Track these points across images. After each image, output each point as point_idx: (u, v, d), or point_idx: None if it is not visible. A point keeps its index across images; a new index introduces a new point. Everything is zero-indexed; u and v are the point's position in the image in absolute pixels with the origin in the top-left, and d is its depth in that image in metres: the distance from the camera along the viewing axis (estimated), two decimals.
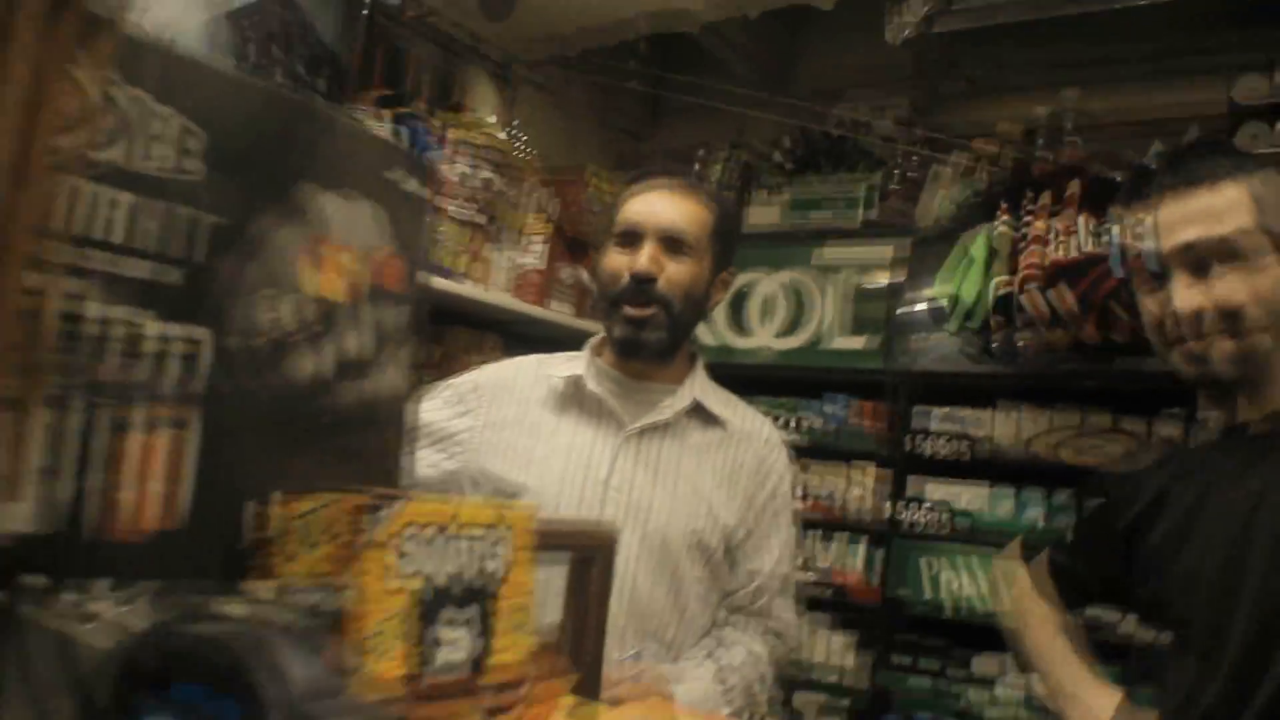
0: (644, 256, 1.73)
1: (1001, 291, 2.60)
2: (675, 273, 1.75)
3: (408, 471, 0.89)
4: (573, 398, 1.81)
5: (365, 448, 0.85)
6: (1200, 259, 1.38)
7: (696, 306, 1.80)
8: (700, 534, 1.74)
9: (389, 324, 0.89)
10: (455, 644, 0.77)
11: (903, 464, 3.26)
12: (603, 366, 1.83)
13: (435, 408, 1.84)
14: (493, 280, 3.07)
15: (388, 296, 0.90)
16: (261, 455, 0.77)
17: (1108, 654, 1.72)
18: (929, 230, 3.29)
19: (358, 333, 0.86)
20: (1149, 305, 1.46)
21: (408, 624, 0.74)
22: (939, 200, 3.23)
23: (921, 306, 3.22)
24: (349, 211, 0.87)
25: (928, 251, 3.26)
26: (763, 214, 3.76)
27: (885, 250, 3.43)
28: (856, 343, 3.43)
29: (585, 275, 3.35)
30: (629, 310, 1.74)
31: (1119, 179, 2.63)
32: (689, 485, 1.76)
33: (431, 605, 0.75)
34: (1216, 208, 1.38)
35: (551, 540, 1.11)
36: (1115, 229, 2.42)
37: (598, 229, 3.50)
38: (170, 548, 0.73)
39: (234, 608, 0.74)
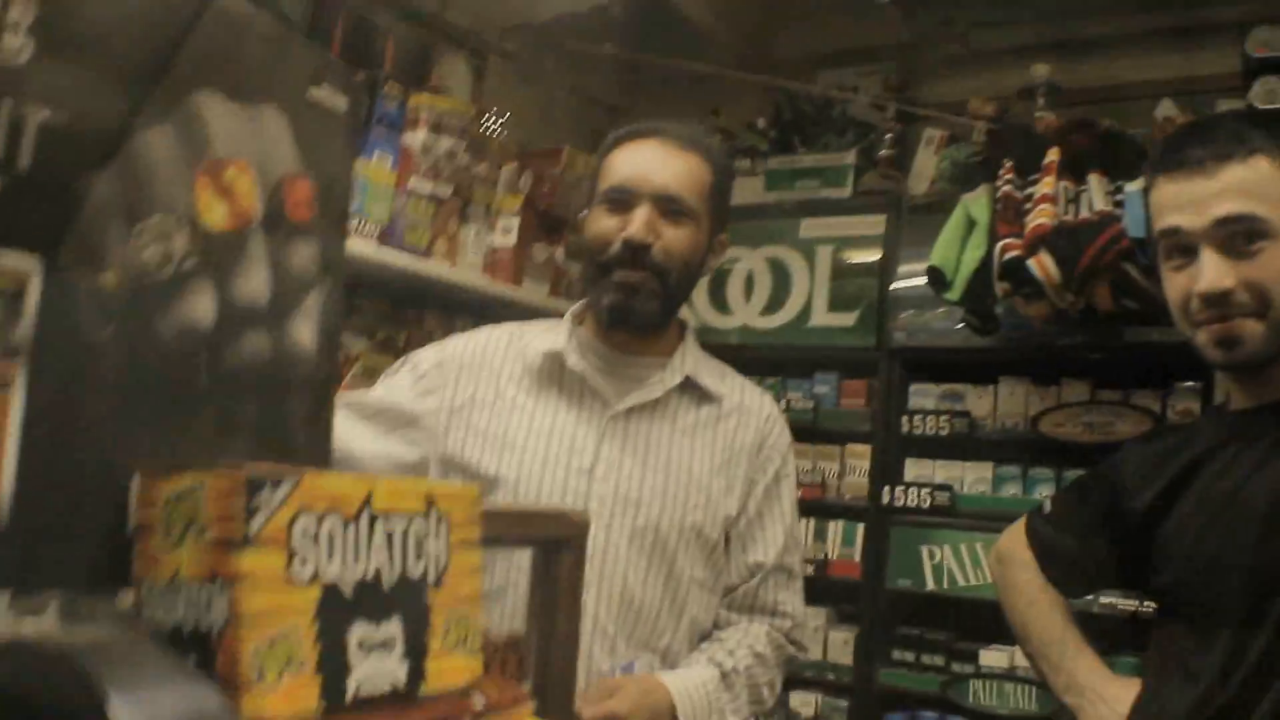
0: (638, 222, 1.54)
1: (1008, 255, 2.44)
2: (672, 239, 1.56)
3: (321, 450, 0.71)
4: (552, 374, 1.62)
5: (262, 418, 0.67)
6: (1230, 236, 1.33)
7: (692, 275, 1.63)
8: (698, 526, 1.57)
9: (297, 263, 0.71)
10: (378, 663, 0.59)
11: (898, 445, 3.09)
12: (586, 338, 1.65)
13: (394, 388, 1.65)
14: (463, 260, 2.89)
15: (295, 229, 0.71)
16: (117, 426, 0.59)
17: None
18: (922, 198, 3.13)
19: (254, 272, 0.67)
20: (1175, 281, 1.40)
21: (308, 644, 0.56)
22: (935, 163, 3.07)
23: (914, 280, 3.05)
24: (248, 122, 0.68)
25: (918, 222, 3.09)
26: (744, 188, 3.57)
27: (873, 223, 3.26)
28: (845, 319, 3.26)
29: (560, 254, 3.18)
30: (620, 275, 1.55)
31: (1129, 135, 2.49)
32: (684, 472, 1.58)
33: (337, 620, 0.57)
34: (1249, 183, 1.34)
35: (511, 529, 0.94)
36: (1131, 188, 2.29)
37: (574, 209, 3.36)
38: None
39: (73, 630, 0.56)
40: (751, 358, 3.26)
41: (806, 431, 3.15)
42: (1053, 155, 2.46)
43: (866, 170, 3.39)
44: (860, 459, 3.16)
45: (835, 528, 3.15)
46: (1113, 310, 2.42)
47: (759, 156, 3.56)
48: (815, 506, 3.12)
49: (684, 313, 1.71)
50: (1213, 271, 1.33)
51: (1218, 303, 1.34)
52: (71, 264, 0.59)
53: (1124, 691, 1.48)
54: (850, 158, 3.41)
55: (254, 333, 0.68)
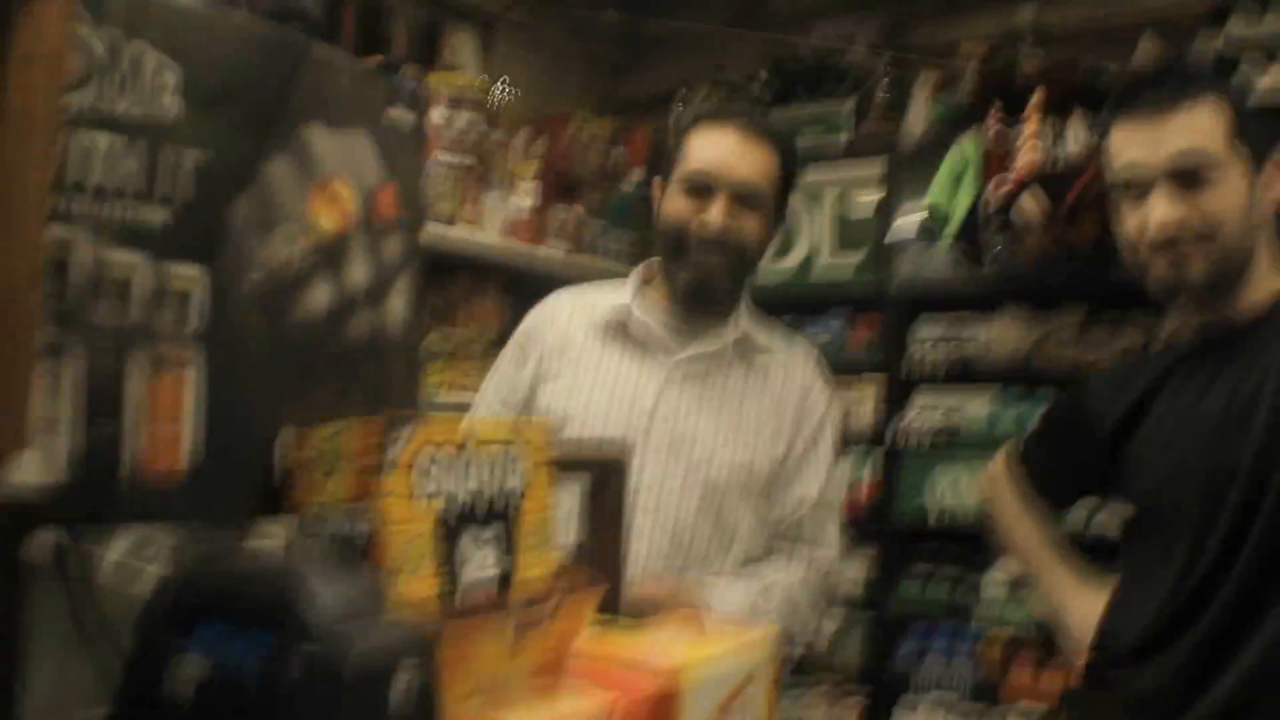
0: (717, 212, 1.68)
1: (996, 199, 2.58)
2: (747, 227, 1.71)
3: (413, 404, 0.90)
4: (618, 327, 1.78)
5: (376, 378, 0.86)
6: (1181, 172, 1.44)
7: (760, 257, 1.78)
8: (749, 465, 1.72)
9: (388, 255, 0.89)
10: (482, 561, 0.78)
11: (903, 379, 3.26)
12: (653, 298, 1.80)
13: (504, 365, 1.84)
14: (487, 225, 3.05)
15: (385, 228, 0.89)
16: (272, 391, 0.78)
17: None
18: (916, 142, 3.26)
19: (357, 264, 0.85)
20: (1131, 217, 1.52)
21: (434, 544, 0.74)
22: (929, 111, 3.20)
23: (913, 218, 3.20)
24: (343, 145, 0.86)
25: (915, 165, 3.23)
26: None
27: (871, 169, 3.40)
28: (848, 261, 3.42)
29: (578, 213, 3.34)
30: (699, 258, 1.70)
31: (1108, 74, 2.60)
32: (736, 416, 1.74)
33: (455, 524, 0.75)
34: (1197, 125, 1.44)
35: (564, 461, 1.12)
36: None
37: (587, 171, 3.51)
38: (186, 489, 0.74)
39: (259, 543, 0.75)
40: (763, 303, 3.43)
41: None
42: (1037, 96, 2.58)
43: (865, 117, 3.52)
44: (870, 392, 3.32)
45: (852, 457, 3.31)
46: (1097, 246, 2.55)
47: (762, 108, 3.69)
48: None
49: None
50: (1162, 209, 1.45)
51: (1167, 241, 1.46)
52: (225, 269, 0.77)
53: (1096, 599, 1.64)
54: (848, 106, 3.55)
55: (359, 312, 0.86)
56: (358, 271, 0.86)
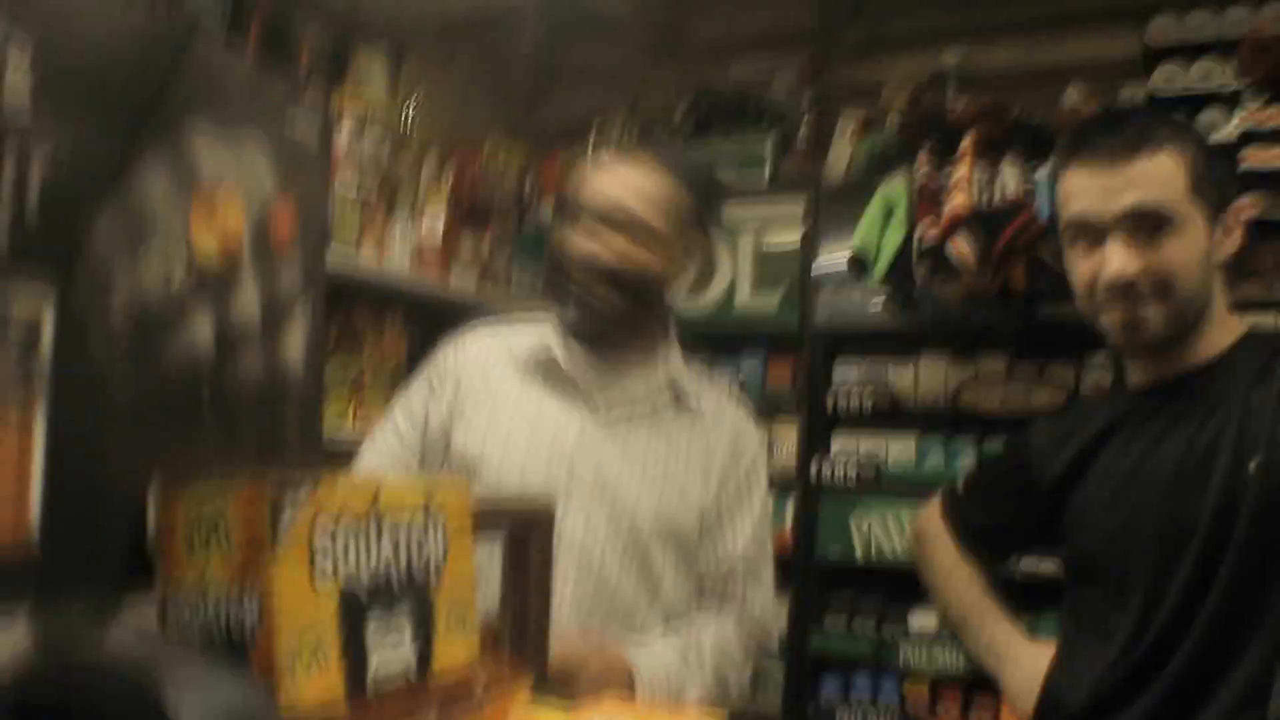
0: (603, 245, 1.62)
1: (927, 239, 2.54)
2: (640, 260, 1.63)
3: (313, 453, 0.76)
4: (539, 368, 1.70)
5: (270, 424, 0.72)
6: (1136, 225, 1.39)
7: (661, 292, 1.70)
8: (673, 517, 1.64)
9: (284, 282, 0.76)
10: (395, 647, 0.65)
11: (823, 420, 3.20)
12: (570, 337, 1.72)
13: (412, 399, 1.73)
14: (392, 255, 2.91)
15: (281, 251, 0.76)
16: (142, 443, 0.64)
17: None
18: (841, 180, 3.23)
19: (247, 292, 0.72)
20: (1082, 266, 1.46)
21: (336, 630, 0.61)
22: (853, 150, 3.17)
23: (836, 257, 3.16)
24: (232, 153, 0.73)
25: (838, 203, 3.19)
26: None
27: (792, 205, 3.36)
28: (767, 300, 3.36)
29: (486, 246, 3.22)
30: (582, 292, 1.64)
31: (1039, 122, 2.59)
32: (661, 466, 1.66)
33: (358, 608, 0.62)
34: (1157, 174, 1.40)
35: (484, 517, 0.99)
36: (1043, 173, 2.40)
37: (498, 199, 3.40)
38: (33, 565, 0.60)
39: (122, 632, 0.60)
40: (679, 340, 3.35)
41: None
42: (968, 141, 2.56)
43: (787, 152, 3.48)
44: (788, 434, 3.25)
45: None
46: (1027, 289, 2.53)
47: (680, 141, 3.62)
48: None
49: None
50: (1119, 259, 1.39)
51: (1123, 290, 1.40)
52: (83, 294, 0.63)
53: (1039, 654, 1.57)
54: (769, 141, 3.50)
55: (249, 348, 0.72)
56: (247, 301, 0.72)
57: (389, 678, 0.64)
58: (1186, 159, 1.41)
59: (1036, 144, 2.49)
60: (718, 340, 3.40)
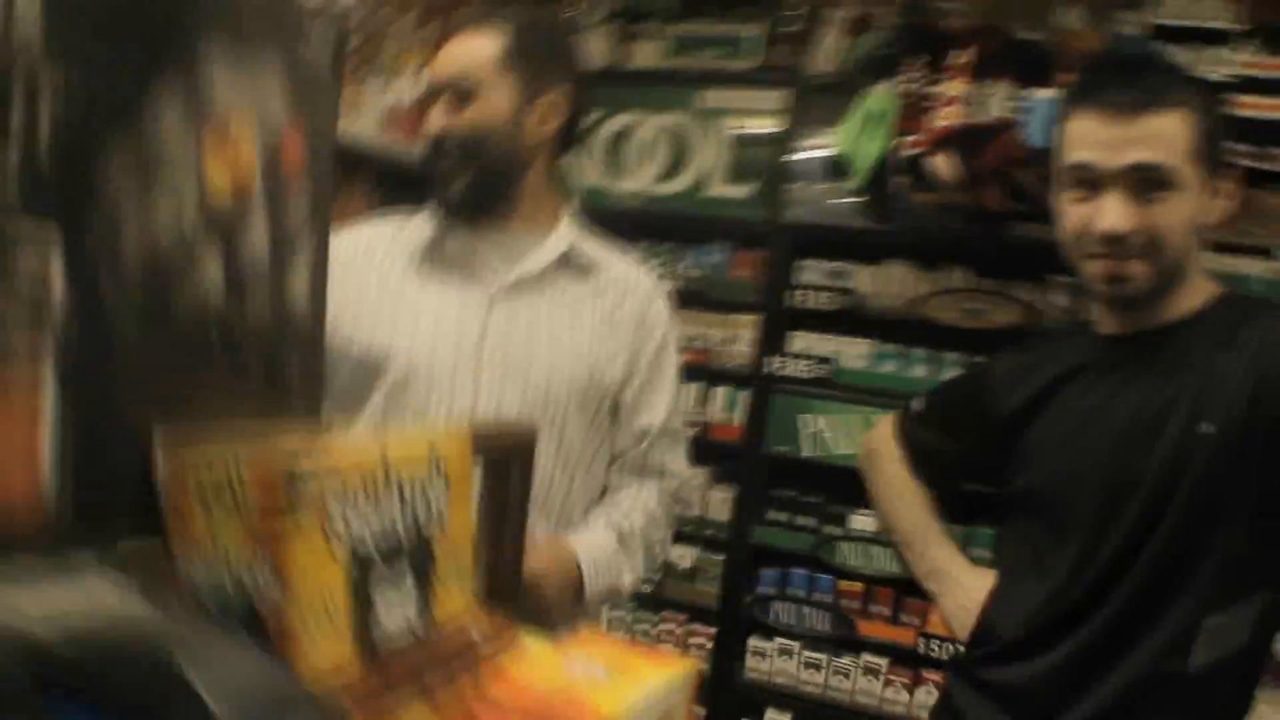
0: (435, 115, 1.65)
1: (911, 152, 2.52)
2: (465, 120, 1.63)
3: (315, 398, 0.76)
4: (434, 256, 1.69)
5: (274, 370, 0.71)
6: (1137, 182, 1.41)
7: (504, 146, 1.65)
8: (584, 392, 1.65)
9: (290, 218, 0.74)
10: (397, 607, 0.66)
11: (783, 317, 3.22)
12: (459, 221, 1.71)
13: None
14: (364, 117, 2.83)
15: (290, 182, 0.74)
16: (152, 393, 0.63)
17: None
18: (819, 79, 3.17)
19: (256, 230, 0.70)
20: (1074, 212, 1.47)
21: (342, 595, 0.62)
22: (844, 46, 3.10)
23: (809, 156, 3.12)
24: (248, 76, 0.70)
25: (820, 101, 3.14)
26: (644, 53, 3.56)
27: (771, 98, 3.29)
28: (738, 191, 3.32)
29: None
30: (437, 166, 1.67)
31: (1039, 43, 2.55)
32: (568, 339, 1.66)
33: (366, 570, 0.63)
34: (1164, 134, 1.40)
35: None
36: (1040, 95, 2.37)
37: None
38: (41, 523, 0.59)
39: (134, 597, 0.60)
40: (646, 223, 3.33)
41: (696, 298, 3.25)
42: (965, 57, 2.51)
43: (774, 44, 3.39)
44: (747, 328, 3.27)
45: (719, 393, 3.28)
46: (1000, 209, 2.53)
47: (670, 19, 3.52)
48: (700, 372, 3.24)
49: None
50: (1115, 213, 1.41)
51: (1114, 243, 1.42)
52: (95, 237, 0.61)
53: (979, 581, 1.64)
54: (760, 29, 3.41)
55: (254, 289, 0.71)
56: (257, 237, 0.70)
57: (396, 634, 0.65)
58: (1195, 121, 1.42)
59: (1031, 67, 2.45)
60: (685, 228, 3.38)
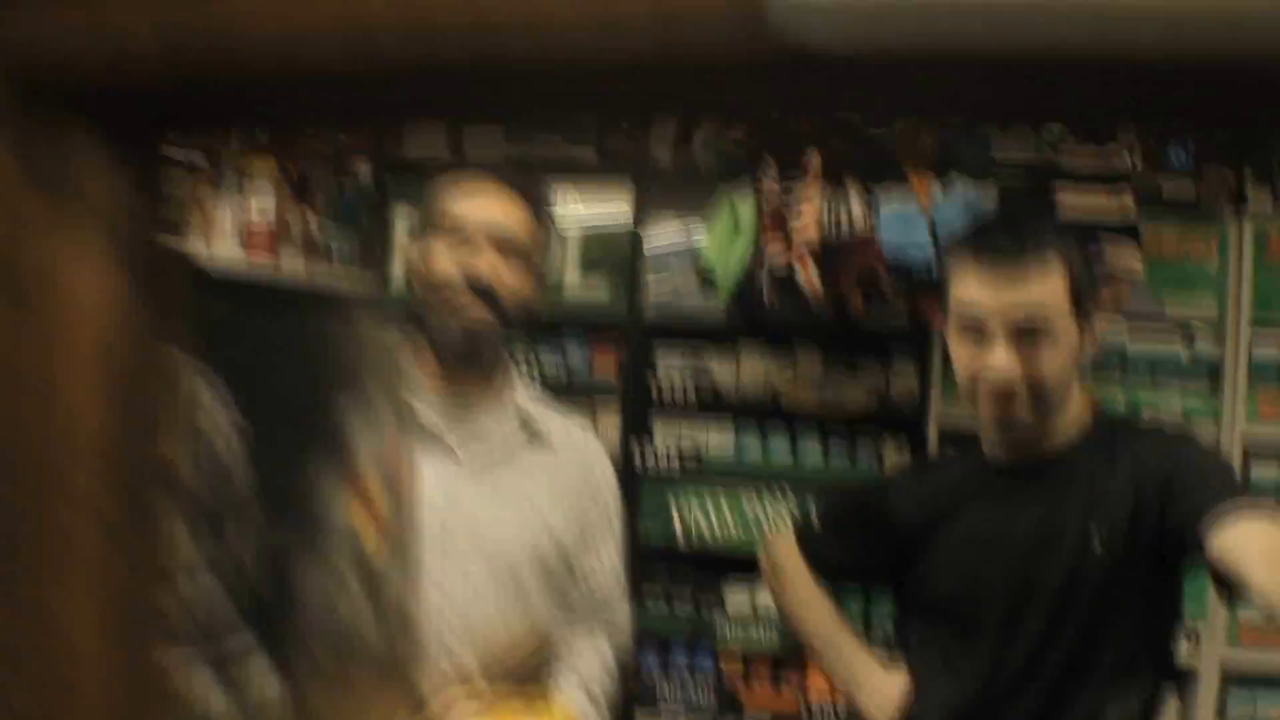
0: (485, 263, 1.63)
1: (777, 264, 2.65)
2: (511, 280, 1.65)
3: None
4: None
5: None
6: (1021, 330, 1.53)
7: (523, 316, 1.72)
8: (545, 557, 1.70)
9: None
10: None
11: (645, 405, 3.30)
12: (420, 382, 1.71)
13: None
14: (220, 235, 2.74)
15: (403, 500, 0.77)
16: None
17: None
18: (669, 169, 3.26)
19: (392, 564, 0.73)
20: (964, 349, 1.60)
21: None
22: (696, 145, 3.19)
23: (663, 243, 3.23)
24: (369, 424, 0.73)
25: (666, 192, 3.25)
26: (483, 143, 3.57)
27: (617, 188, 3.36)
28: (593, 284, 3.39)
29: (315, 223, 3.08)
30: (466, 317, 1.64)
31: (884, 140, 2.70)
32: (527, 504, 1.70)
33: None
34: (1046, 289, 1.53)
35: None
36: (894, 204, 2.52)
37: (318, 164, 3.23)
38: None
39: None
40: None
41: (559, 392, 3.28)
42: (815, 161, 2.64)
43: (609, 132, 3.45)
44: (611, 421, 3.33)
45: None
46: (861, 313, 2.70)
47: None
48: None
49: None
50: (1002, 363, 1.54)
51: (1003, 390, 1.56)
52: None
53: (894, 679, 1.75)
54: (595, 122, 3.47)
55: (388, 608, 0.74)
56: (390, 569, 0.73)
57: None
58: (1070, 272, 1.56)
59: (877, 166, 2.60)
60: (541, 325, 3.41)
